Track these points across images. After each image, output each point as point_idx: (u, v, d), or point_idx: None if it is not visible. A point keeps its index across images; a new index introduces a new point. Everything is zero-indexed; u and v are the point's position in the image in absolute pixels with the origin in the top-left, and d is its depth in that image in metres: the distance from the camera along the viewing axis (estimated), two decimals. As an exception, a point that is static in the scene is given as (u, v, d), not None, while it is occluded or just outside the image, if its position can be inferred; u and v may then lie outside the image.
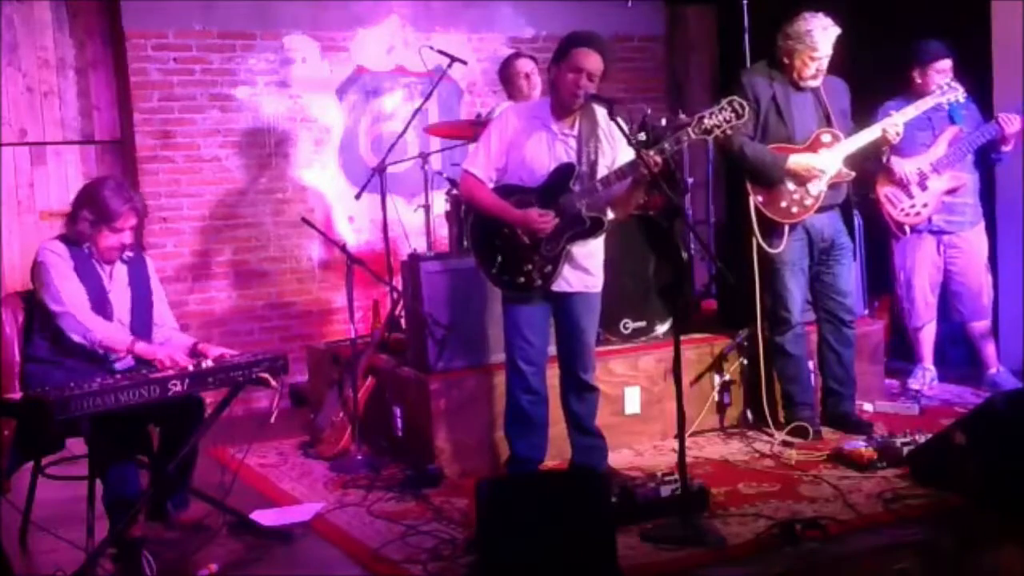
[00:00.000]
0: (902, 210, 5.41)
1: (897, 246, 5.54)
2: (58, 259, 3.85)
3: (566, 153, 4.01)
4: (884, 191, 5.43)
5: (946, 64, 5.24)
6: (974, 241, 5.48)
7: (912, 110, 4.80)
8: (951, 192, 5.37)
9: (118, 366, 3.88)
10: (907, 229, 5.44)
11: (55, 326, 3.81)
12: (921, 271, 5.49)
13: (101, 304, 3.89)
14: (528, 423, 4.14)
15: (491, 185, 4.08)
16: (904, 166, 5.34)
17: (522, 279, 4.02)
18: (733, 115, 3.85)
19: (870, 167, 5.17)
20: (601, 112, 4.05)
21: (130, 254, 4.04)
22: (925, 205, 5.37)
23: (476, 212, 4.15)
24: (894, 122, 4.70)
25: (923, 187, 5.35)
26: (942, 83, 4.89)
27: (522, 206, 3.98)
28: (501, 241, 4.03)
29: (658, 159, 3.83)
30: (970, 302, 5.50)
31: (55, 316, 3.80)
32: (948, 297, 5.56)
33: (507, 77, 5.49)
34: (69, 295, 3.81)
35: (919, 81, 5.25)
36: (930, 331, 5.62)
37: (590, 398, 4.21)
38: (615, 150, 4.05)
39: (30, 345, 3.92)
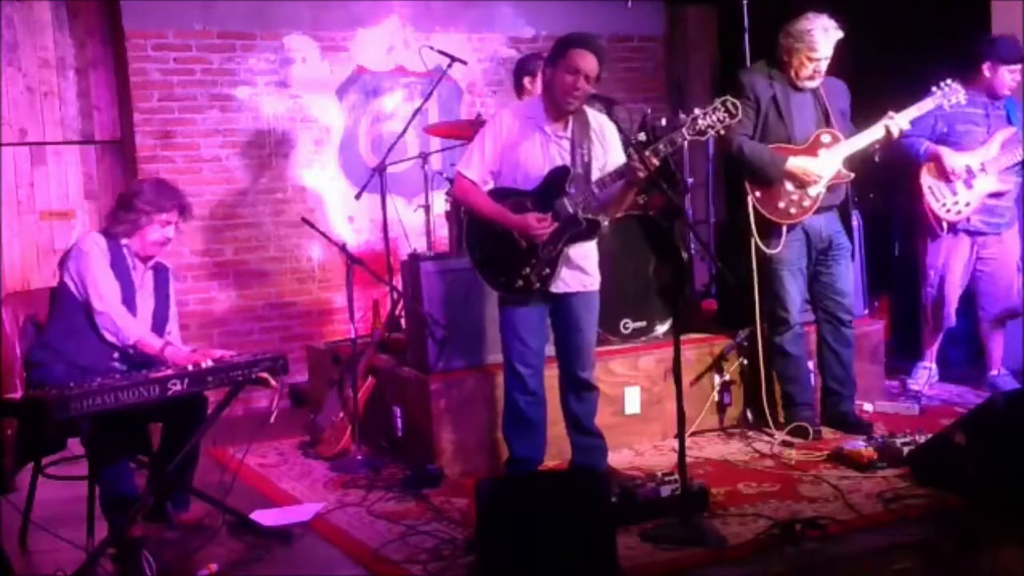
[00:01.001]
0: (943, 205, 5.27)
1: (931, 245, 5.40)
2: (99, 252, 3.92)
3: (560, 155, 4.01)
4: (928, 183, 5.28)
5: (1018, 67, 5.21)
6: (1008, 242, 5.40)
7: (915, 110, 4.77)
8: (995, 195, 5.26)
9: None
10: (945, 226, 5.32)
11: (84, 319, 3.86)
12: (954, 272, 5.39)
13: (128, 305, 3.94)
14: (526, 424, 4.14)
15: (485, 188, 4.07)
16: (955, 160, 5.21)
17: (520, 282, 4.02)
18: (726, 115, 3.87)
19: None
20: (592, 113, 4.07)
21: (163, 263, 4.14)
22: (967, 204, 5.25)
23: (471, 215, 4.15)
24: (897, 123, 4.69)
25: (969, 185, 5.22)
26: (943, 84, 4.86)
27: (518, 209, 3.96)
28: (498, 244, 4.02)
29: (654, 160, 3.84)
30: (996, 301, 5.43)
31: (93, 312, 3.85)
32: (974, 296, 5.49)
33: (532, 71, 5.17)
34: (108, 291, 3.88)
35: (987, 75, 5.20)
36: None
37: (589, 397, 4.21)
38: (607, 152, 4.06)
39: (43, 334, 3.95)
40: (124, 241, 3.99)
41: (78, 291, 3.89)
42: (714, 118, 3.87)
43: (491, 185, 4.10)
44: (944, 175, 5.24)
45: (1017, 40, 5.30)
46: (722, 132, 4.00)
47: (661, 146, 3.91)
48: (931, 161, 5.26)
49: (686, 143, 4.05)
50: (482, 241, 4.08)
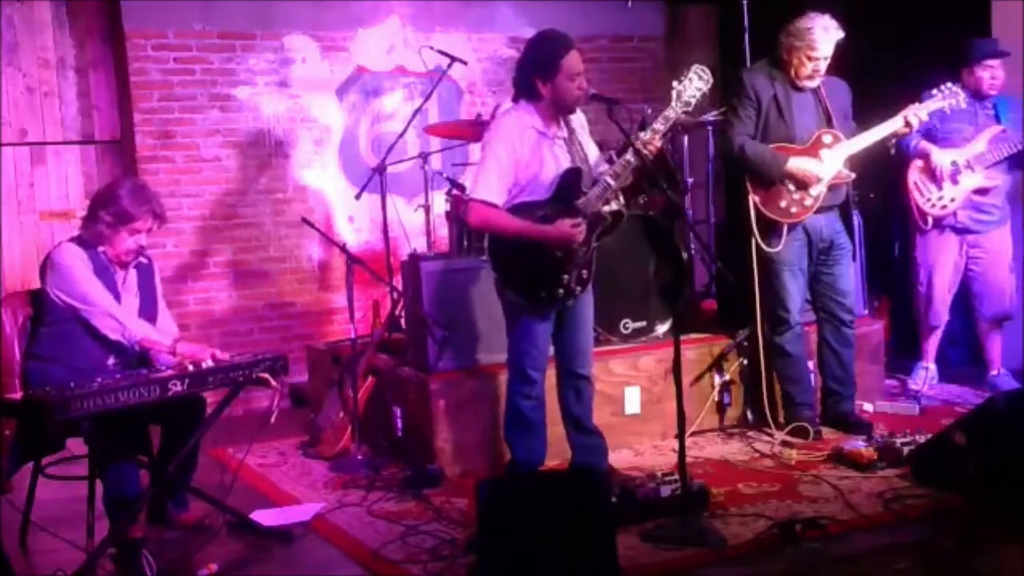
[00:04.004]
0: (928, 200, 5.34)
1: (920, 241, 5.47)
2: (79, 262, 3.86)
3: (561, 156, 4.01)
4: (914, 178, 5.36)
5: (994, 62, 5.24)
6: (999, 241, 5.42)
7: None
8: (982, 192, 5.30)
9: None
10: (930, 221, 5.37)
11: (74, 327, 3.83)
12: (942, 270, 5.43)
13: None
14: (529, 427, 4.14)
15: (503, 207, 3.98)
16: (940, 156, 5.27)
17: (561, 291, 3.98)
18: (703, 83, 3.95)
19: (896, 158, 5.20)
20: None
21: (144, 260, 4.08)
22: (952, 200, 5.30)
23: (495, 239, 4.04)
24: (918, 114, 4.68)
25: (954, 181, 5.28)
26: (943, 86, 4.87)
27: (544, 221, 3.92)
28: (530, 259, 3.94)
29: (657, 141, 3.91)
30: (989, 302, 5.45)
31: (89, 316, 3.81)
32: (968, 296, 5.51)
33: None
34: (100, 295, 3.84)
35: (968, 77, 5.23)
36: (939, 330, 5.60)
37: (587, 394, 4.21)
38: (590, 143, 4.12)
39: (34, 343, 3.92)
40: (100, 248, 3.92)
41: (65, 304, 3.84)
42: (694, 88, 3.94)
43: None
44: (931, 172, 5.31)
45: (990, 39, 5.34)
46: (699, 99, 4.02)
47: (658, 126, 3.95)
48: (920, 157, 5.34)
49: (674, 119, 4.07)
50: (514, 260, 3.98)
